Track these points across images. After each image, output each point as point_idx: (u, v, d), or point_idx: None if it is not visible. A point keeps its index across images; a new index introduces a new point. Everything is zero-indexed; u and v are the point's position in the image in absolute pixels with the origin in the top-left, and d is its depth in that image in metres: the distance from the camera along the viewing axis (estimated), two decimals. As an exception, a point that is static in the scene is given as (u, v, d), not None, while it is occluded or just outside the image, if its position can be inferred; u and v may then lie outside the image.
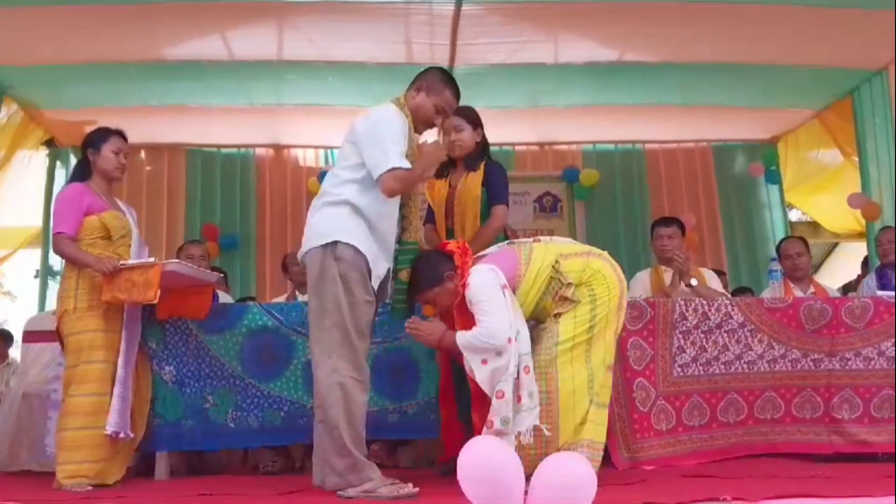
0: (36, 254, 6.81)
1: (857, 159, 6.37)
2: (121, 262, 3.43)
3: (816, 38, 5.34)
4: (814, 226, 7.76)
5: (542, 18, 5.34)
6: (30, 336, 4.39)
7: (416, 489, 2.88)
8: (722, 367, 3.81)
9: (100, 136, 3.69)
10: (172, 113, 6.59)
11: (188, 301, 3.62)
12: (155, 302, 3.36)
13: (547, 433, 2.94)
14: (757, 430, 3.83)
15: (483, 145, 3.76)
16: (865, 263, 5.91)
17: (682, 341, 3.77)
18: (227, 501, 2.78)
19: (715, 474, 3.29)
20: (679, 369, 3.77)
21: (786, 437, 3.83)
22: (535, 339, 3.08)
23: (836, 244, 10.04)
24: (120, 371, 3.47)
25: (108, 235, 3.54)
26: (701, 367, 3.79)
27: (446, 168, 3.81)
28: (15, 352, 7.14)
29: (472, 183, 3.67)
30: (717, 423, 3.79)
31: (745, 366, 3.82)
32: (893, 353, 3.82)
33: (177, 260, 3.38)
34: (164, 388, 3.69)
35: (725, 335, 3.81)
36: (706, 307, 3.81)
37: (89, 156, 3.69)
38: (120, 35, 5.20)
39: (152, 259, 3.50)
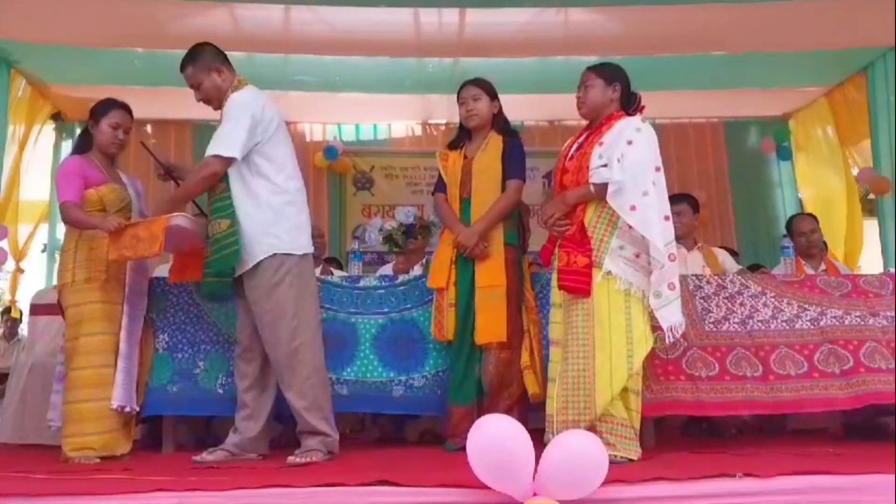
0: (43, 228, 6.80)
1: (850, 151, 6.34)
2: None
3: (830, 19, 5.25)
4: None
5: (549, 23, 5.37)
6: (37, 309, 4.40)
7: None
8: (759, 324, 3.61)
9: (100, 109, 3.66)
10: (179, 92, 6.52)
11: (191, 262, 3.53)
12: (160, 253, 3.31)
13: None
14: (826, 383, 3.49)
15: (501, 117, 3.76)
16: None
17: (706, 304, 3.66)
18: (234, 473, 2.78)
19: (725, 450, 3.28)
20: (712, 326, 3.62)
21: (868, 388, 3.45)
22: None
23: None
24: (123, 345, 3.49)
25: (104, 209, 3.52)
26: (737, 326, 3.61)
27: (461, 139, 3.80)
28: (24, 329, 7.19)
29: (489, 155, 3.66)
30: (774, 374, 3.50)
31: (783, 324, 3.61)
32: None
33: (182, 213, 3.34)
34: (154, 356, 3.70)
35: (750, 299, 3.67)
36: (720, 280, 3.75)
37: (90, 128, 3.66)
38: (128, 16, 5.14)
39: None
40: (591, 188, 3.12)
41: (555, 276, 3.25)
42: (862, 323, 3.62)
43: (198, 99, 3.49)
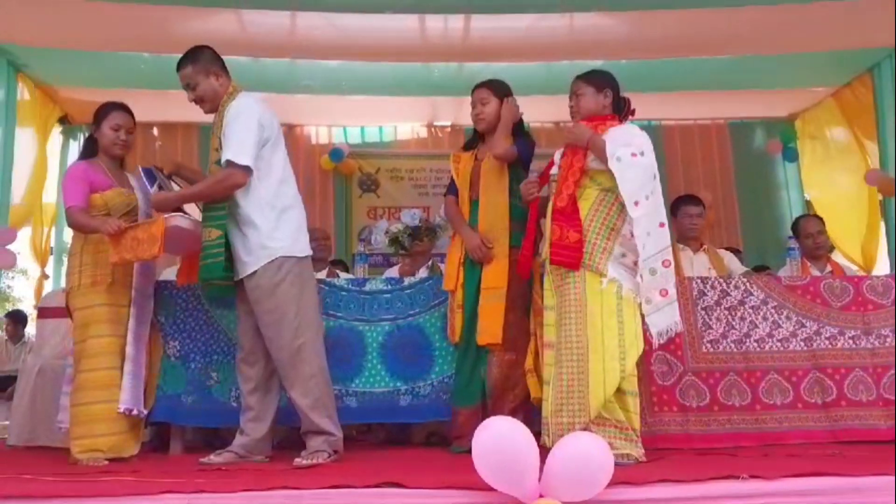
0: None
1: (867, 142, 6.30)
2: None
3: (835, 20, 5.25)
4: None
5: (554, 27, 5.37)
6: (45, 312, 4.43)
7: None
8: (755, 344, 3.67)
9: (102, 113, 3.69)
10: (186, 95, 6.55)
11: (199, 264, 3.50)
12: (159, 255, 3.30)
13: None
14: (810, 414, 3.62)
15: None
16: None
17: (706, 317, 3.69)
18: (241, 475, 2.79)
19: (730, 452, 3.27)
20: (709, 345, 3.66)
21: (845, 423, 3.58)
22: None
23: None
24: (129, 349, 3.51)
25: (109, 213, 3.54)
26: (733, 345, 3.66)
27: (475, 141, 3.81)
28: (31, 329, 7.20)
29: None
30: (761, 404, 3.60)
31: (778, 344, 3.67)
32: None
33: (180, 213, 3.33)
34: (166, 361, 3.72)
35: (751, 311, 3.70)
36: (724, 285, 3.76)
37: (93, 133, 3.70)
38: (135, 20, 5.15)
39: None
40: (615, 158, 3.12)
41: (548, 279, 3.26)
42: (854, 346, 3.69)
43: (190, 99, 3.50)
